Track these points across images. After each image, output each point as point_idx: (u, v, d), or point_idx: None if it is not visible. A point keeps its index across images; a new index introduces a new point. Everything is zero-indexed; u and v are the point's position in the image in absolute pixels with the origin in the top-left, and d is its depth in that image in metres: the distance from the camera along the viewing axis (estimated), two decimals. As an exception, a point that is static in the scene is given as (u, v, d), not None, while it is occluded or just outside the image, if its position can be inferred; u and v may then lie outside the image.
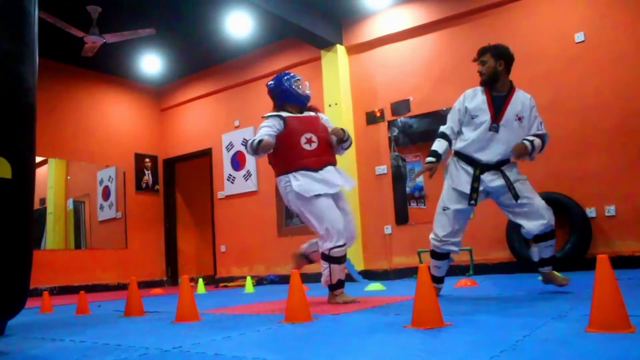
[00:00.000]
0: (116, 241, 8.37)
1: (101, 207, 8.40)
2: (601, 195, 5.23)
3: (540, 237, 3.16)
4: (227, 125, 8.41)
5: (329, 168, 3.40)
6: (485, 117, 3.14)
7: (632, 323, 1.71)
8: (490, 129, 3.12)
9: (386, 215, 6.63)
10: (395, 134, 6.67)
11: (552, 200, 5.32)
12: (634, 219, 5.06)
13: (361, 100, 6.98)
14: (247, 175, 8.02)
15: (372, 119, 6.84)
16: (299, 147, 3.36)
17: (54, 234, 7.73)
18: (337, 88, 6.87)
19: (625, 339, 1.61)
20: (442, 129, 3.35)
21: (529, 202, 3.13)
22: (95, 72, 8.39)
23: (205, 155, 8.78)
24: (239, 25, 6.93)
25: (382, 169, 6.71)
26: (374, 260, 6.67)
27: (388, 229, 6.60)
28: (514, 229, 5.46)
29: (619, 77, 5.26)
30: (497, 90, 3.18)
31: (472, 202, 3.16)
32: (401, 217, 6.55)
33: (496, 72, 3.16)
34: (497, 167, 3.18)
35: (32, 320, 3.54)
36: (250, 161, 8.02)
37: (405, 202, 6.53)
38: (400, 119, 6.64)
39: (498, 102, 3.15)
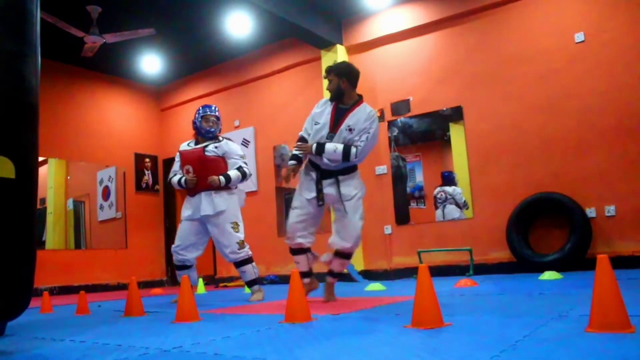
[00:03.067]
0: (116, 241, 8.37)
1: (101, 207, 8.40)
2: (601, 195, 5.23)
3: (339, 253, 3.48)
4: (227, 125, 8.38)
5: (201, 194, 4.19)
6: (326, 126, 3.44)
7: (632, 323, 1.71)
8: (327, 137, 3.41)
9: (386, 215, 6.62)
10: (395, 134, 6.67)
11: (552, 200, 5.34)
12: (634, 219, 5.06)
13: (361, 100, 6.98)
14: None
15: (372, 119, 6.83)
16: (185, 176, 4.29)
17: (54, 234, 7.73)
18: (337, 88, 6.86)
19: (625, 339, 1.61)
20: (301, 133, 3.62)
21: (346, 220, 3.41)
22: (95, 72, 8.39)
23: (205, 155, 8.76)
24: (239, 25, 6.92)
25: (382, 169, 6.71)
26: (374, 260, 6.67)
27: (388, 229, 6.60)
28: (514, 229, 5.47)
29: (619, 77, 5.25)
30: (344, 103, 3.48)
31: (320, 202, 3.46)
32: (401, 217, 6.55)
33: (340, 89, 3.46)
34: (334, 174, 3.44)
35: (32, 320, 3.53)
36: (250, 161, 8.01)
37: (405, 202, 6.53)
38: (400, 119, 6.64)
39: (340, 114, 3.44)
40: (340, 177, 3.45)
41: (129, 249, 8.44)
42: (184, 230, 4.28)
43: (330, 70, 3.51)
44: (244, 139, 8.11)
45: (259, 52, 7.98)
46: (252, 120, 8.06)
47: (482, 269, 5.72)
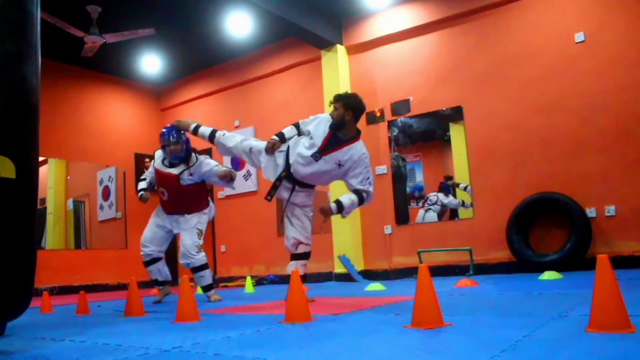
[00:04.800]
0: (116, 241, 8.37)
1: (101, 207, 8.40)
2: (601, 195, 5.23)
3: (295, 255, 3.61)
4: (227, 125, 8.40)
5: (174, 217, 4.38)
6: (317, 145, 3.47)
7: (632, 323, 1.71)
8: (312, 156, 3.47)
9: (386, 215, 6.63)
10: (395, 133, 6.68)
11: (552, 200, 5.34)
12: (634, 219, 5.06)
13: (361, 100, 6.99)
14: (247, 175, 8.02)
15: (372, 119, 6.84)
16: (160, 195, 4.42)
17: (54, 234, 7.73)
18: (337, 88, 6.85)
19: (625, 339, 1.61)
20: (300, 121, 3.74)
21: (293, 223, 3.61)
22: (95, 72, 8.39)
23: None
24: (239, 25, 6.93)
25: (382, 169, 6.71)
26: (374, 260, 6.67)
27: (388, 229, 6.60)
28: (514, 229, 5.47)
29: (619, 77, 5.26)
30: (341, 133, 3.48)
31: (268, 198, 3.65)
32: (401, 217, 6.55)
33: (343, 120, 3.45)
34: (295, 182, 3.57)
35: (32, 320, 3.53)
36: (250, 161, 8.01)
37: (405, 202, 6.54)
38: (400, 119, 6.64)
39: (333, 142, 3.46)
40: (298, 188, 3.58)
41: (129, 249, 8.43)
42: (152, 228, 4.46)
43: (339, 99, 3.50)
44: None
45: (259, 52, 7.98)
46: (252, 120, 8.06)
47: (482, 269, 5.72)
